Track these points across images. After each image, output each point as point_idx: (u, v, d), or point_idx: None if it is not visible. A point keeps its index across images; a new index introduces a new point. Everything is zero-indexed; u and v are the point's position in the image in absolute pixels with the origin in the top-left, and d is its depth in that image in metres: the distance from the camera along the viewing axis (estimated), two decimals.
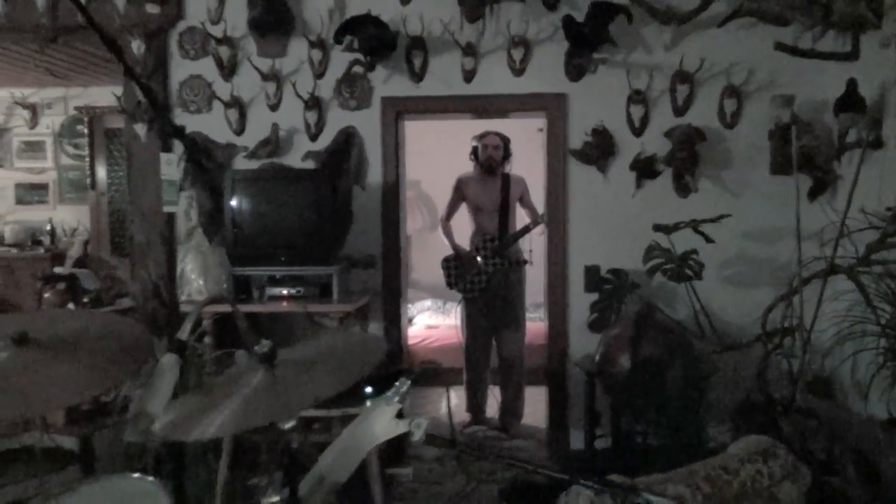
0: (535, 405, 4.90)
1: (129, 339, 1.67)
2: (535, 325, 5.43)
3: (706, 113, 4.16)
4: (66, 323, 1.64)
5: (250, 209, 4.02)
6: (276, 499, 1.40)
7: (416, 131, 4.76)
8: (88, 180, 6.24)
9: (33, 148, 6.46)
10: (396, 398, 1.24)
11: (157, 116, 3.41)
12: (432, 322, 6.42)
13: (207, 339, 3.57)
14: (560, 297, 4.31)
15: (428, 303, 6.85)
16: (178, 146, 4.19)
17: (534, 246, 4.84)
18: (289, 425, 1.36)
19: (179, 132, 3.42)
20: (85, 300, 4.34)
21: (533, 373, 4.94)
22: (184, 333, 1.64)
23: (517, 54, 4.19)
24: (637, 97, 4.15)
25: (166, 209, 4.15)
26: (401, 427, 1.20)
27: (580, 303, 4.27)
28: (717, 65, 4.12)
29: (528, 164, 5.12)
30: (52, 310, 3.87)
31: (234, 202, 3.99)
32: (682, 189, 4.17)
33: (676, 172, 4.15)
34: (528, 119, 4.78)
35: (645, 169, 4.16)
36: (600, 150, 4.19)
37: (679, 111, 4.16)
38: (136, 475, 1.53)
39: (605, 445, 3.89)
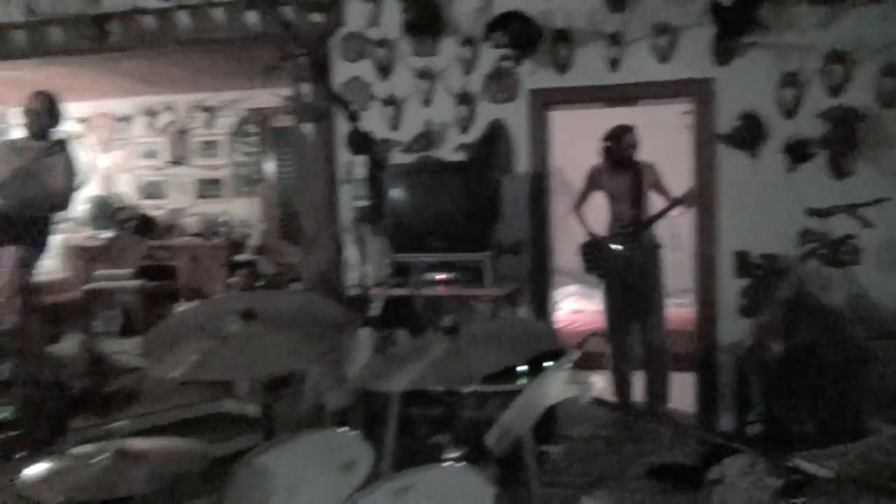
0: (683, 391, 4.92)
1: (332, 317, 1.96)
2: (683, 311, 5.43)
3: (863, 93, 4.02)
4: (282, 302, 1.95)
5: (407, 200, 4.33)
6: (457, 453, 1.62)
7: (556, 120, 4.88)
8: (259, 175, 6.85)
9: (210, 147, 7.16)
10: (569, 365, 1.42)
11: (351, 126, 3.82)
12: (577, 307, 6.54)
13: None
14: (709, 282, 4.33)
15: (572, 288, 6.97)
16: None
17: (681, 231, 4.83)
18: (468, 390, 1.58)
19: (366, 137, 3.77)
20: (261, 284, 4.83)
21: (681, 359, 4.96)
22: (375, 311, 1.91)
23: (662, 41, 4.24)
24: (789, 79, 4.09)
25: (356, 204, 4.51)
26: (572, 390, 1.39)
27: (729, 288, 4.27)
28: (874, 43, 3.97)
29: (670, 146, 5.10)
30: (258, 291, 4.34)
31: (393, 194, 4.31)
32: (838, 172, 4.06)
33: (831, 155, 4.05)
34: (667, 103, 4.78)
35: (798, 152, 4.09)
36: (750, 134, 4.16)
37: (833, 91, 4.05)
38: (341, 429, 1.81)
39: (756, 431, 3.89)
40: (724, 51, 4.18)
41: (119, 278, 6.38)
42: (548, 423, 3.84)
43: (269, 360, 1.82)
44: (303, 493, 1.62)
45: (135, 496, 1.62)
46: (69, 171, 4.55)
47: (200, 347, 1.80)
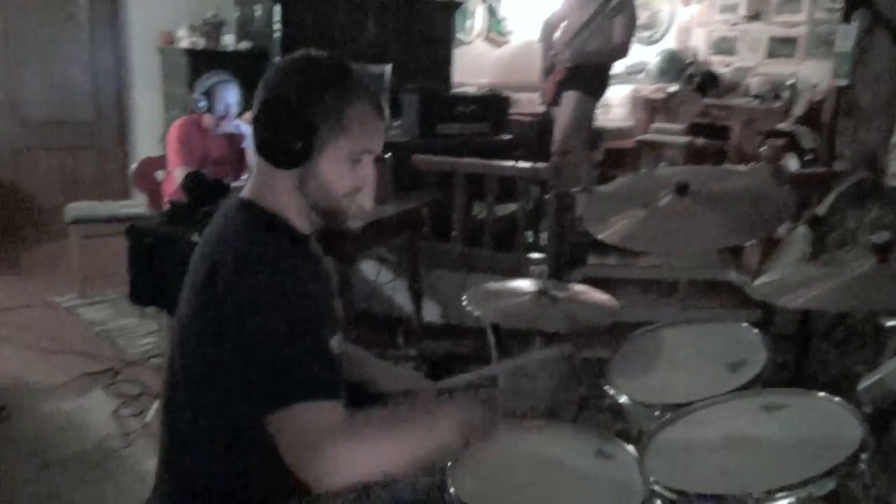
0: None
1: (773, 202, 1.79)
2: None
3: None
4: (723, 181, 1.86)
5: None
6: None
7: None
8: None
9: (792, 1, 6.57)
10: None
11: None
12: None
13: None
14: None
15: None
16: None
17: None
18: (890, 323, 1.34)
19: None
20: (807, 158, 4.45)
21: None
22: (822, 209, 1.68)
23: None
24: None
25: (836, 82, 3.82)
26: None
27: None
28: None
29: None
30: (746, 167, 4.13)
31: None
32: None
33: None
34: None
35: None
36: None
37: None
38: (745, 324, 1.71)
39: None
40: None
41: (671, 132, 6.58)
42: None
43: (696, 237, 1.79)
44: (681, 373, 1.62)
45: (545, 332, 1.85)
46: (630, 25, 4.78)
47: (632, 215, 1.86)
